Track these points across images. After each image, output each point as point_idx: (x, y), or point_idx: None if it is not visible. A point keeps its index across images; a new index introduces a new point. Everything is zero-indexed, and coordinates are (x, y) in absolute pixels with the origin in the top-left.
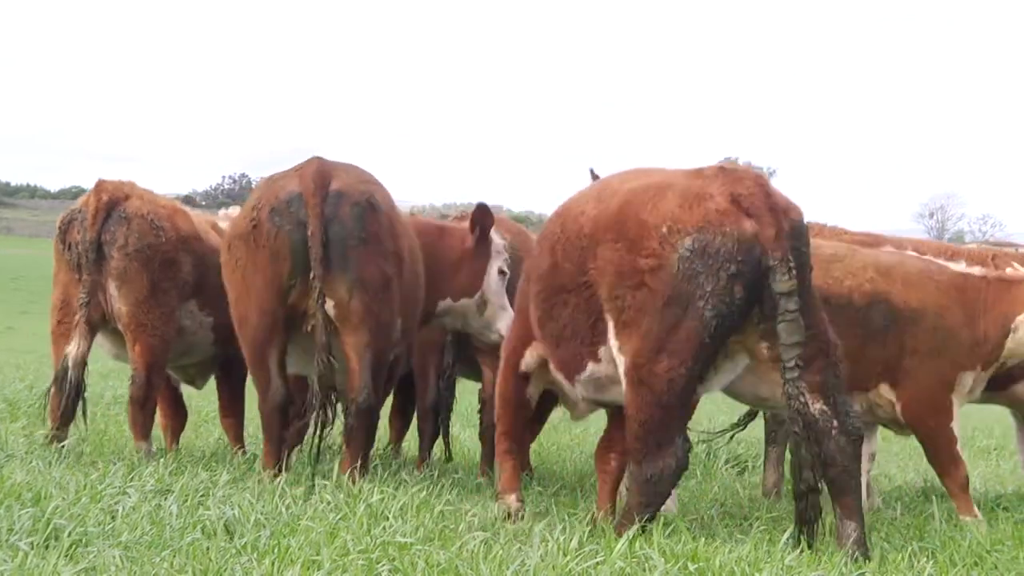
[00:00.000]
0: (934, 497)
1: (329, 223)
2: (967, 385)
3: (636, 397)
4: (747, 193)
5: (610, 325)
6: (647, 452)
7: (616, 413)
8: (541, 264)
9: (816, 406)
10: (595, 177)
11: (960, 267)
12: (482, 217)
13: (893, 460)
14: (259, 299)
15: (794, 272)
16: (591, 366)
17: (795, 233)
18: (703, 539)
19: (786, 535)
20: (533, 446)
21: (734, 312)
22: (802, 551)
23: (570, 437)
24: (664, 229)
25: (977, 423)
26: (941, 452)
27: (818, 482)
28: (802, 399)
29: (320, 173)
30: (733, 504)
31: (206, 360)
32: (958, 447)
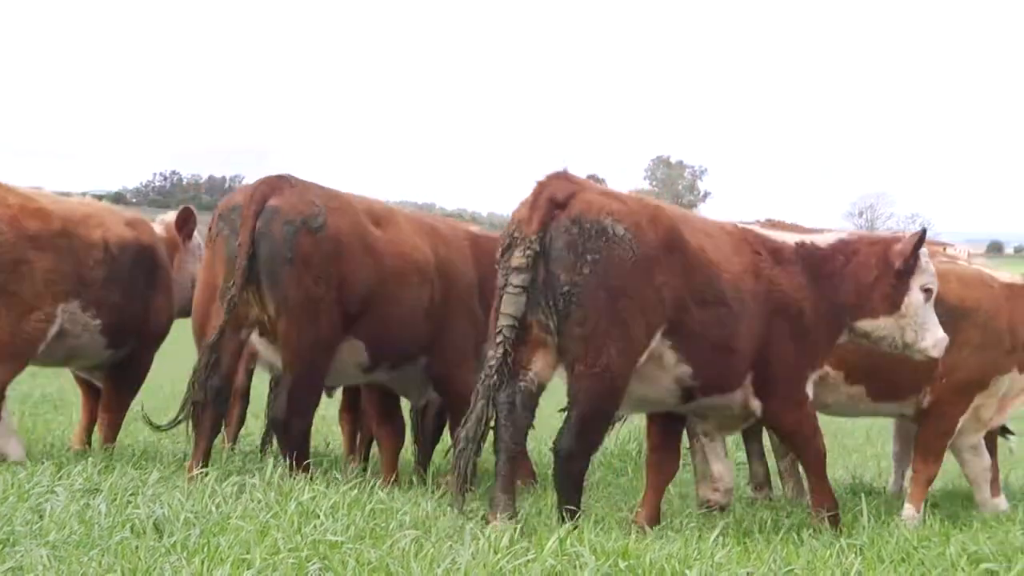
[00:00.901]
0: (862, 494)
1: (261, 238)
2: (1002, 387)
3: None
4: (533, 186)
5: None
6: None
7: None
8: None
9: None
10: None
11: (1007, 276)
12: None
13: None
14: (200, 295)
15: (530, 253)
16: None
17: (569, 220)
18: (634, 536)
19: (716, 532)
20: None
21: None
22: (731, 548)
23: None
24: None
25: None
26: (934, 442)
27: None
28: (494, 363)
29: (263, 188)
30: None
31: (107, 364)
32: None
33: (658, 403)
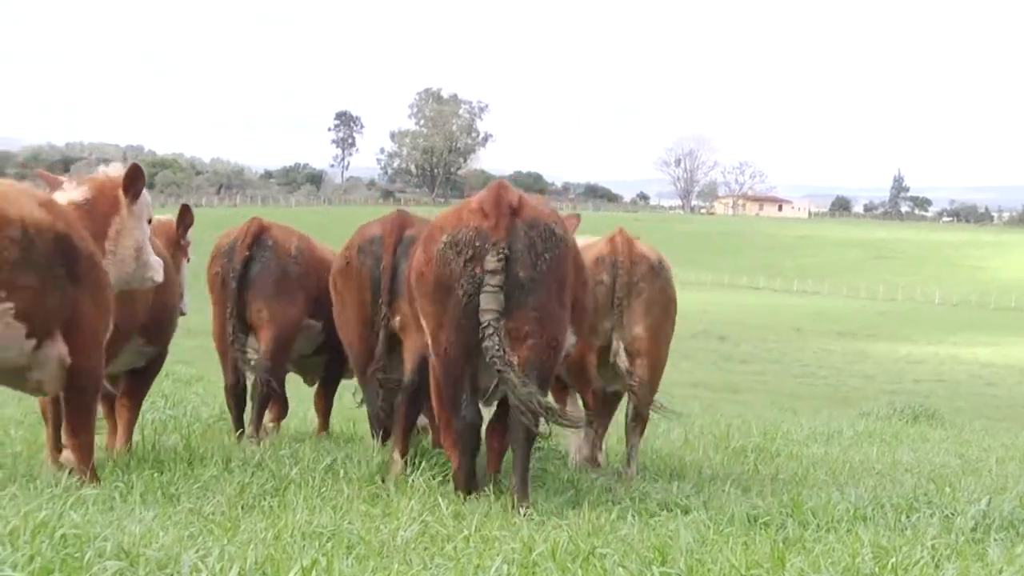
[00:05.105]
0: (677, 511)
1: (400, 260)
2: None
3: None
4: (486, 196)
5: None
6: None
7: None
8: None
9: (512, 371)
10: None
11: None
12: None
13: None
14: (355, 322)
15: (502, 255)
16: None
17: (527, 227)
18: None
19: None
20: None
21: (479, 289)
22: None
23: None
24: (437, 232)
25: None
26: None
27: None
28: (497, 349)
29: (398, 221)
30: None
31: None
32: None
33: None
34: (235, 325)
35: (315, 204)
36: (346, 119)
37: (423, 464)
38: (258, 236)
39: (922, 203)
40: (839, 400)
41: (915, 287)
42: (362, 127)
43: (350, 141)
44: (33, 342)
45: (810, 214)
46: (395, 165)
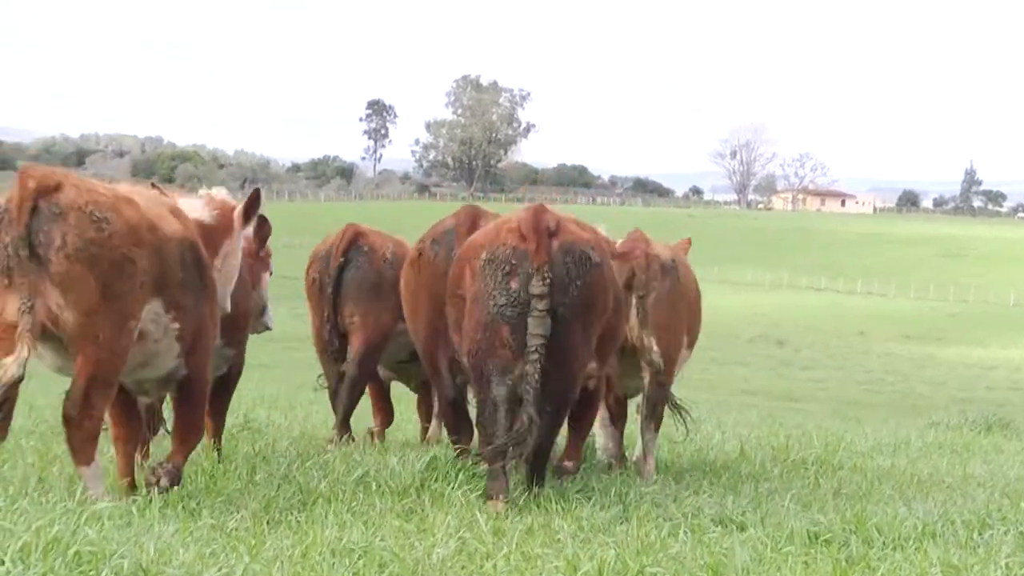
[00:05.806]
0: (732, 527)
1: None
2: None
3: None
4: (519, 217)
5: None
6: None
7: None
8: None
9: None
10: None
11: None
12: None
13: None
14: (426, 308)
15: (547, 279)
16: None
17: (562, 251)
18: None
19: None
20: None
21: (512, 302)
22: None
23: None
24: (480, 247)
25: None
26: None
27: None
28: (535, 376)
29: (470, 213)
30: None
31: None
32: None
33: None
34: (331, 330)
35: (346, 199)
36: (378, 108)
37: (460, 477)
38: (353, 242)
39: (996, 197)
40: (906, 409)
41: (988, 288)
42: (395, 117)
43: (383, 132)
44: (181, 360)
45: (875, 209)
46: (431, 157)
